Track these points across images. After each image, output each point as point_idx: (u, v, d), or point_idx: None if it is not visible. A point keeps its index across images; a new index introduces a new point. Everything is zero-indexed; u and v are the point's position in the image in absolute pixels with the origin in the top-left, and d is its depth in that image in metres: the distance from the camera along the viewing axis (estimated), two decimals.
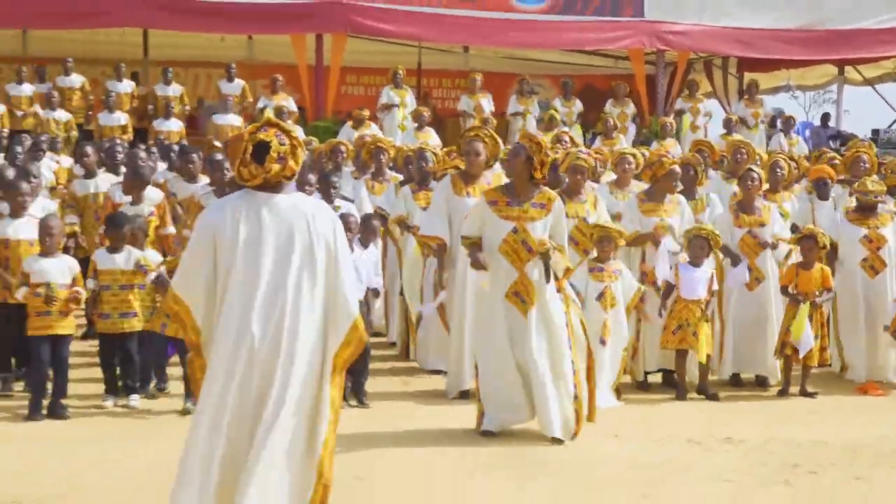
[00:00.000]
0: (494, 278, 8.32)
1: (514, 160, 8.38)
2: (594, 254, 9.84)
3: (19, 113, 19.11)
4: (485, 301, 8.43)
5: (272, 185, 5.57)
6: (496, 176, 9.75)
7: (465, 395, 9.65)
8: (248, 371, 5.44)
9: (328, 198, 10.76)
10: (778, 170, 11.73)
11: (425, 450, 8.20)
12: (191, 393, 9.01)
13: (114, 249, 9.44)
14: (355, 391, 9.56)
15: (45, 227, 9.26)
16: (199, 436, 5.51)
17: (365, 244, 9.82)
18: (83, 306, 9.81)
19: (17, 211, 9.79)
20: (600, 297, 9.74)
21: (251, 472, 5.39)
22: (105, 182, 11.76)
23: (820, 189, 11.81)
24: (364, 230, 9.91)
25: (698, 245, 10.05)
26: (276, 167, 5.50)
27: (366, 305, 9.88)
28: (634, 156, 11.59)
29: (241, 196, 5.62)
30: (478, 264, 8.32)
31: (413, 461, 7.90)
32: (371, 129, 17.90)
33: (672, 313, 10.06)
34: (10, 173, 10.80)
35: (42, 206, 10.24)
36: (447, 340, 10.02)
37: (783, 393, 10.31)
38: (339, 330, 5.65)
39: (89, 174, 12.08)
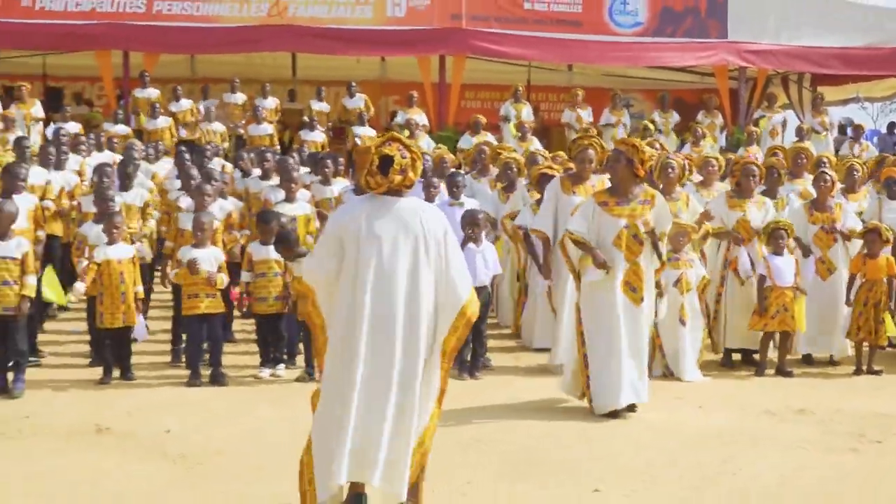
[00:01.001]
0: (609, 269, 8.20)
1: (616, 165, 8.24)
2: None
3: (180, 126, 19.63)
4: (599, 291, 8.20)
5: (394, 191, 5.61)
6: (600, 181, 9.67)
7: None
8: (369, 349, 5.45)
9: (455, 196, 10.78)
10: (855, 172, 11.67)
11: (533, 415, 8.23)
12: (311, 363, 9.22)
13: (265, 242, 9.54)
14: (471, 365, 9.62)
15: (197, 223, 9.45)
16: (329, 410, 5.52)
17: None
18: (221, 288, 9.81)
19: (199, 207, 9.97)
20: (677, 282, 9.66)
21: (378, 444, 5.41)
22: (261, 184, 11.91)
23: (890, 188, 11.51)
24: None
25: (778, 236, 9.97)
26: (398, 178, 5.52)
27: (493, 289, 9.90)
28: (717, 159, 11.60)
29: (367, 199, 5.65)
30: (602, 264, 8.09)
31: (522, 426, 7.92)
32: (487, 137, 17.94)
33: (769, 299, 9.94)
34: (195, 175, 10.95)
35: (220, 205, 10.35)
36: (551, 321, 10.02)
37: (858, 371, 10.12)
38: (447, 317, 5.61)
39: (263, 176, 12.23)
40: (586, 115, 20.38)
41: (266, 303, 9.55)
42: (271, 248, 9.42)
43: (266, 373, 9.53)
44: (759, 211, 10.34)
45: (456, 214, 9.87)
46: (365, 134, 18.53)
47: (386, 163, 5.51)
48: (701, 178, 11.42)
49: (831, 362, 10.53)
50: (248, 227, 11.05)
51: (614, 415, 8.21)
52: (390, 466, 5.43)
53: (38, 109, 18.44)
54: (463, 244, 9.34)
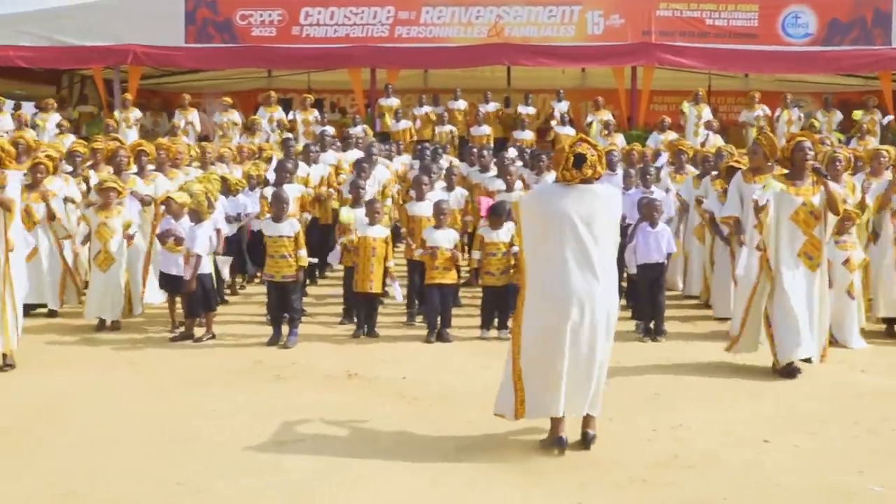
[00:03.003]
0: (788, 241, 7.86)
1: (805, 154, 7.93)
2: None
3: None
4: (781, 259, 7.86)
5: (586, 181, 5.78)
6: (779, 170, 9.31)
7: None
8: (568, 306, 5.70)
9: (646, 185, 10.57)
10: None
11: (710, 373, 7.98)
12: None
13: (494, 227, 9.52)
14: (655, 329, 9.40)
15: (437, 209, 9.55)
16: (530, 355, 5.87)
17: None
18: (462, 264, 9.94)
19: (420, 196, 10.13)
20: (846, 262, 9.16)
21: (576, 378, 5.79)
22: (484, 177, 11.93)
23: None
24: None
25: None
26: (589, 172, 5.73)
27: (667, 265, 9.65)
28: (888, 151, 10.92)
29: (561, 185, 5.82)
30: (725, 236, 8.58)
31: (699, 382, 7.71)
32: (671, 135, 17.54)
33: None
34: (416, 170, 11.12)
35: (438, 194, 10.49)
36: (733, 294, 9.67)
37: None
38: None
39: (483, 170, 12.30)
40: (761, 115, 19.68)
41: (494, 277, 9.53)
42: (500, 232, 9.46)
43: (488, 333, 9.54)
44: None
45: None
46: (565, 132, 18.41)
47: (579, 160, 5.71)
48: (870, 168, 10.78)
49: None
50: (471, 213, 11.11)
51: (789, 370, 7.86)
52: (594, 396, 5.90)
53: (315, 116, 19.31)
54: (637, 223, 9.41)
